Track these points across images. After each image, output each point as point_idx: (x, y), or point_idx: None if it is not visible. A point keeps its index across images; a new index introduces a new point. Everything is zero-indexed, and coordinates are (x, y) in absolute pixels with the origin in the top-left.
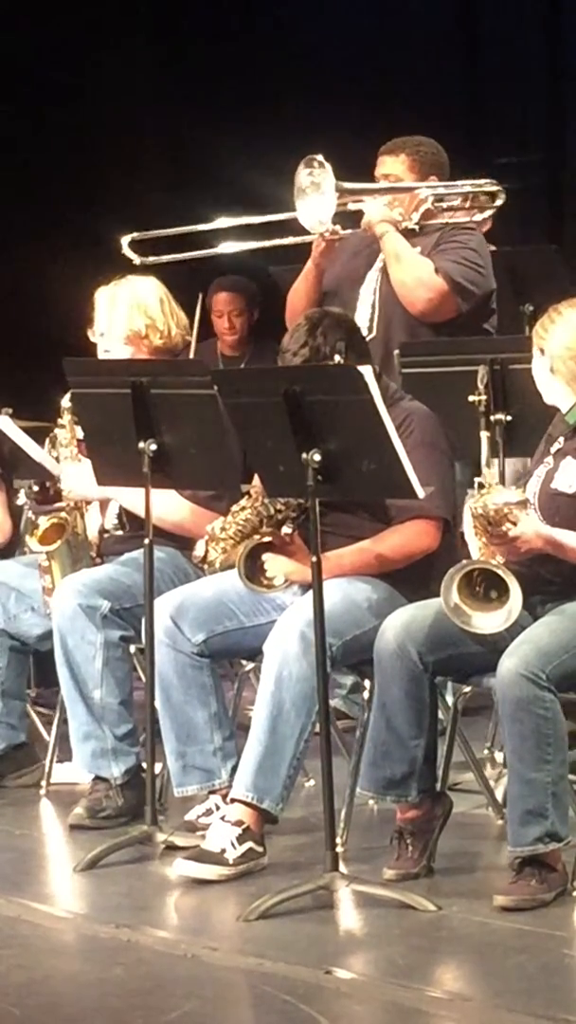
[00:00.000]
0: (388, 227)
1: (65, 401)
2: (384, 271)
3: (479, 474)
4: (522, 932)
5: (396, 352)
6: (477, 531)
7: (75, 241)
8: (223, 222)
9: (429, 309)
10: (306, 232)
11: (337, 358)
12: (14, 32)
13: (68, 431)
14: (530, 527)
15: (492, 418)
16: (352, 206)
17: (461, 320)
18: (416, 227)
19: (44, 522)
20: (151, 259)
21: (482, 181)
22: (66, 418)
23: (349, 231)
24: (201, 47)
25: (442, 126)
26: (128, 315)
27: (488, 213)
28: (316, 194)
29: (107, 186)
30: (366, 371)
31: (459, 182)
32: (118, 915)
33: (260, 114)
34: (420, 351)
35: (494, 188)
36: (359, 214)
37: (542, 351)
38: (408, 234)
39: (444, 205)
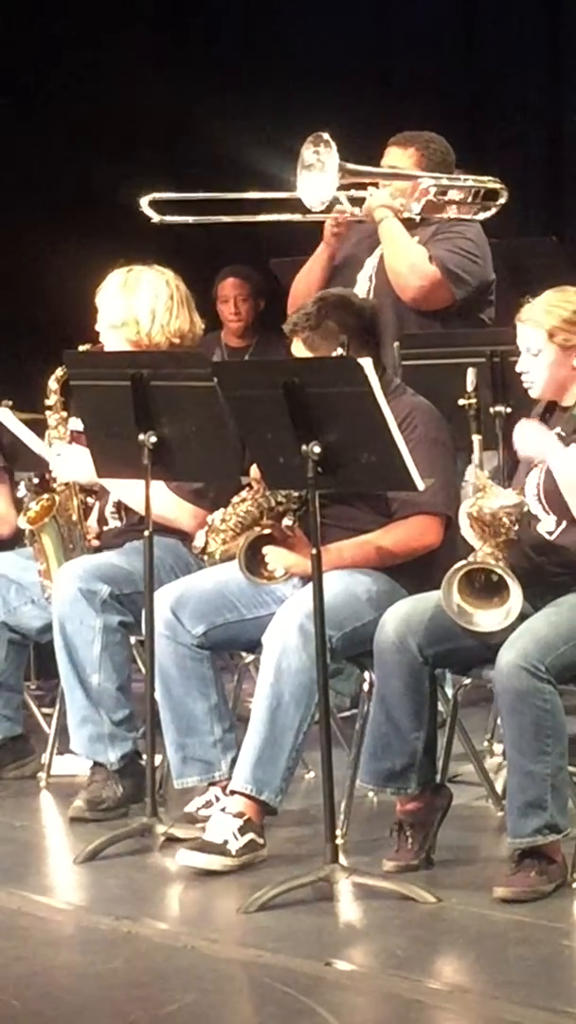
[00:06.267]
0: (387, 212)
1: (52, 382)
2: (382, 259)
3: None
4: (522, 924)
5: (395, 344)
6: (474, 532)
7: (76, 233)
8: (250, 195)
9: (420, 296)
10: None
11: (339, 350)
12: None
13: (56, 412)
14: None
15: (492, 410)
16: (356, 192)
17: (455, 309)
18: (416, 218)
19: (35, 505)
20: (169, 218)
21: (485, 178)
22: (53, 399)
23: (360, 216)
24: (201, 43)
25: (442, 121)
26: (125, 303)
27: (491, 212)
28: (319, 172)
29: (107, 179)
30: (366, 363)
31: (462, 176)
32: (118, 907)
33: (260, 109)
34: (419, 343)
35: (497, 185)
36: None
37: (551, 335)
38: (408, 224)
39: (446, 199)
